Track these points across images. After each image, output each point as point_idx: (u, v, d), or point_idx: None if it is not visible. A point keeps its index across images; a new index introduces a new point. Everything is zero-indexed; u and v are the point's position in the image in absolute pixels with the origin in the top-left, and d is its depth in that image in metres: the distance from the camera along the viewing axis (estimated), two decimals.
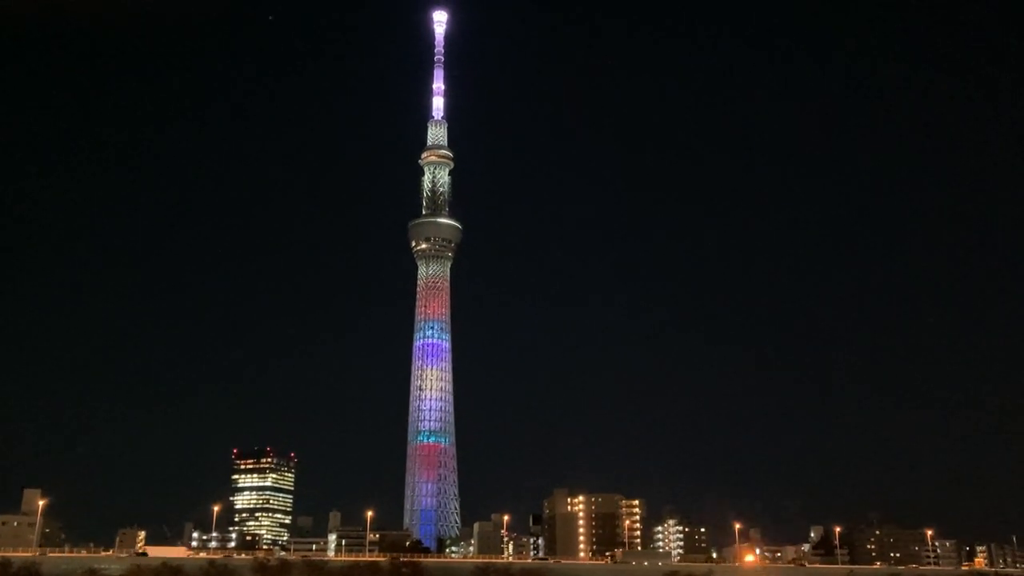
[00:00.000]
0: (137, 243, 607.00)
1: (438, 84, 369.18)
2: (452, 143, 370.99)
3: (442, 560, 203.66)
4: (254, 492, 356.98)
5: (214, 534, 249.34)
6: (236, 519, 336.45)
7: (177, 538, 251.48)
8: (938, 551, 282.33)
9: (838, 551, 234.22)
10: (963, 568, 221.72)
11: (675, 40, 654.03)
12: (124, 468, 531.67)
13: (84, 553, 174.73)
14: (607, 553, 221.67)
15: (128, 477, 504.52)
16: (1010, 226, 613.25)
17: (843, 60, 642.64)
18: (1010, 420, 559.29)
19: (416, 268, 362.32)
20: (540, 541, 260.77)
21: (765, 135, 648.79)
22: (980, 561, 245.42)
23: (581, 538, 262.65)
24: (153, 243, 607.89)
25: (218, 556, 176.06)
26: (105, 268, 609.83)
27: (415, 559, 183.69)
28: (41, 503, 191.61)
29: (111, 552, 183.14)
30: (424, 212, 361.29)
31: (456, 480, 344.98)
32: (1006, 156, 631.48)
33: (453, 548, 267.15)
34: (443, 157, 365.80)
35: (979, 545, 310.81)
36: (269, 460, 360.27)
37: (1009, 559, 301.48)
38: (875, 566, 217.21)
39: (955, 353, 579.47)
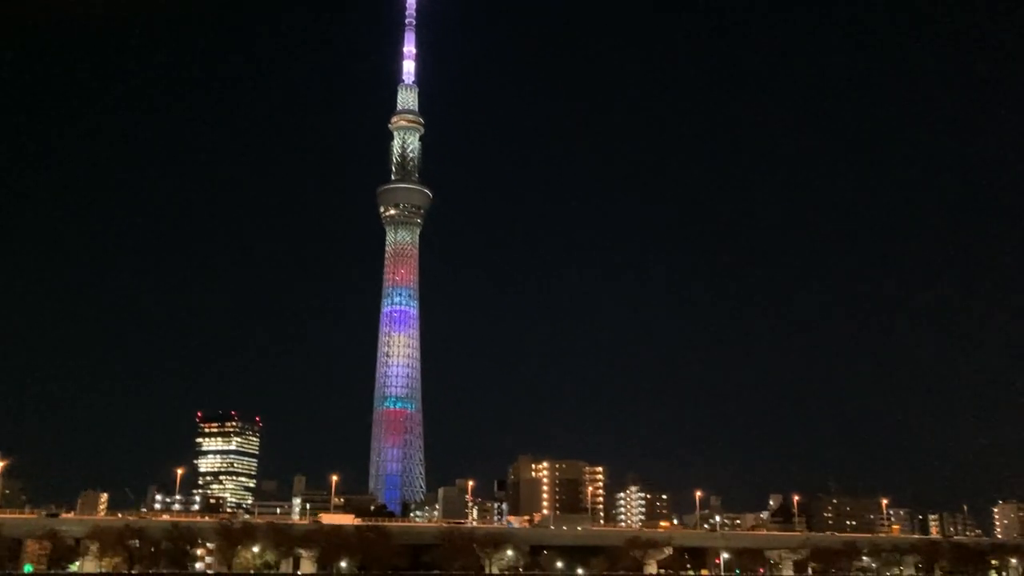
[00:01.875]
0: (100, 209, 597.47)
1: (409, 48, 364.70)
2: (423, 108, 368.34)
3: (407, 524, 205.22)
4: (218, 456, 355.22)
5: (177, 497, 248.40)
6: (200, 482, 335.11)
7: (140, 500, 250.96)
8: (892, 520, 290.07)
9: (796, 519, 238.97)
10: (881, 535, 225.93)
11: (653, 5, 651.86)
12: (87, 430, 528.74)
13: (43, 514, 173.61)
14: (525, 517, 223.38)
15: (91, 439, 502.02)
16: (996, 211, 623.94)
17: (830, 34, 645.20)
18: (965, 394, 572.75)
19: (385, 234, 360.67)
20: (504, 506, 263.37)
21: (748, 82, 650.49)
22: (896, 528, 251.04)
23: (545, 504, 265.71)
24: (116, 208, 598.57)
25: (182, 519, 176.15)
26: (68, 233, 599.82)
27: (380, 523, 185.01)
28: (1, 464, 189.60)
29: (72, 514, 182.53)
30: (393, 178, 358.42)
31: (422, 446, 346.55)
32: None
33: (418, 512, 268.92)
34: (413, 122, 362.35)
35: (931, 514, 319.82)
36: (234, 424, 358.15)
37: (960, 527, 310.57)
38: (794, 533, 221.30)
39: (916, 330, 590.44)
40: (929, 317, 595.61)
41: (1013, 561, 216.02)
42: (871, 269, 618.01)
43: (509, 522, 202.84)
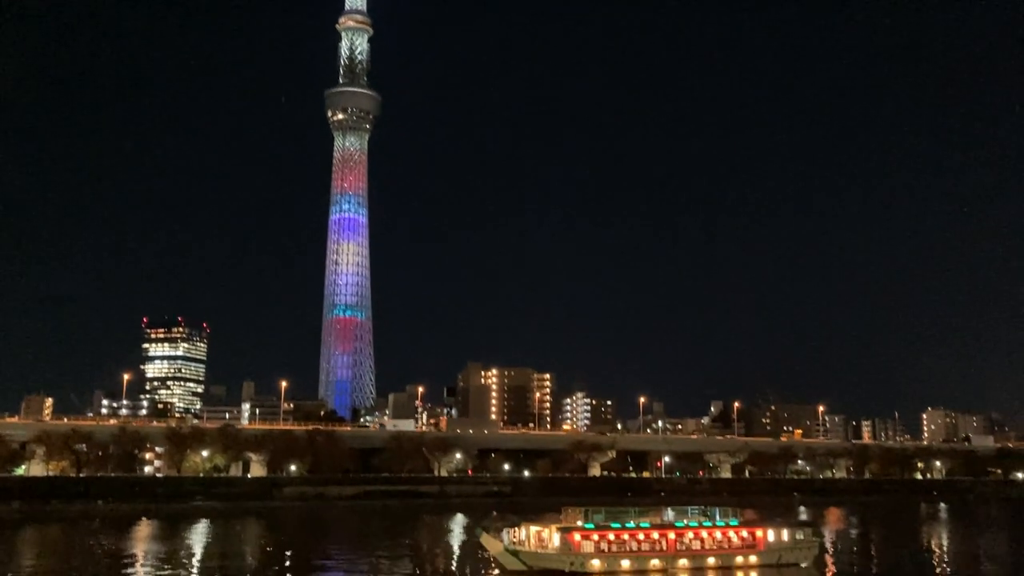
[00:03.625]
0: (51, 107, 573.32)
1: None
2: (372, 8, 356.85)
3: (356, 429, 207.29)
4: (166, 361, 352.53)
5: (124, 402, 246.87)
6: (147, 388, 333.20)
7: (86, 406, 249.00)
8: (827, 425, 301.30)
9: (735, 424, 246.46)
10: (782, 440, 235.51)
11: None
12: (29, 334, 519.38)
13: None
14: (431, 420, 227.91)
15: (34, 344, 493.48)
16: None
17: None
18: (898, 307, 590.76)
19: (332, 140, 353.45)
20: (454, 412, 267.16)
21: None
22: (798, 433, 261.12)
23: (493, 409, 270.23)
24: (65, 111, 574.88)
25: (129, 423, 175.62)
26: (16, 136, 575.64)
27: (330, 428, 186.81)
28: None
29: (17, 418, 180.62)
30: (341, 81, 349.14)
31: (372, 353, 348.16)
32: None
33: (368, 418, 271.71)
34: (361, 23, 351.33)
35: (865, 420, 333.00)
36: (180, 329, 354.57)
37: (891, 432, 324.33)
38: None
39: (852, 240, 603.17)
40: (863, 229, 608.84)
41: (937, 463, 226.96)
42: (803, 179, 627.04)
43: (381, 425, 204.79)
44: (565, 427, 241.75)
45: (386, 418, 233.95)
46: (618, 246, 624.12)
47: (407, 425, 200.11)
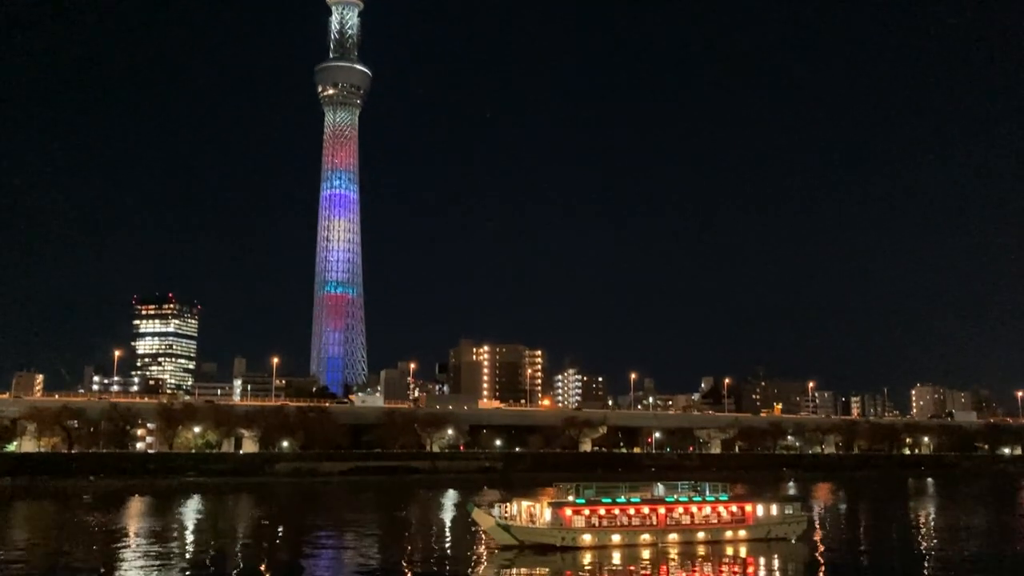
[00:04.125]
0: (40, 82, 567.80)
1: None
2: None
3: (347, 405, 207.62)
4: (157, 337, 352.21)
5: (116, 378, 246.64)
6: (139, 364, 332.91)
7: (77, 382, 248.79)
8: (817, 401, 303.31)
9: (726, 400, 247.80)
10: (762, 415, 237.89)
11: None
12: (18, 310, 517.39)
13: None
14: (412, 398, 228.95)
15: (23, 321, 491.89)
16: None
17: None
18: (888, 285, 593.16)
19: (323, 115, 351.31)
20: (445, 388, 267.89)
21: None
22: (778, 408, 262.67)
23: (485, 386, 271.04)
24: (55, 85, 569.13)
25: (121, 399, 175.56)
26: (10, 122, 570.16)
27: (322, 404, 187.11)
28: None
29: (8, 395, 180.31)
30: (331, 56, 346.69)
31: (363, 329, 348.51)
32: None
33: (360, 394, 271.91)
34: None
35: (854, 396, 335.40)
36: (171, 306, 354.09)
37: (880, 408, 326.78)
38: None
39: (843, 219, 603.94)
40: (855, 206, 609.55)
41: (925, 439, 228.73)
42: (797, 167, 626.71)
43: (349, 401, 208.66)
44: (545, 402, 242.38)
45: (357, 396, 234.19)
46: (611, 226, 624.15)
47: (376, 402, 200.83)
